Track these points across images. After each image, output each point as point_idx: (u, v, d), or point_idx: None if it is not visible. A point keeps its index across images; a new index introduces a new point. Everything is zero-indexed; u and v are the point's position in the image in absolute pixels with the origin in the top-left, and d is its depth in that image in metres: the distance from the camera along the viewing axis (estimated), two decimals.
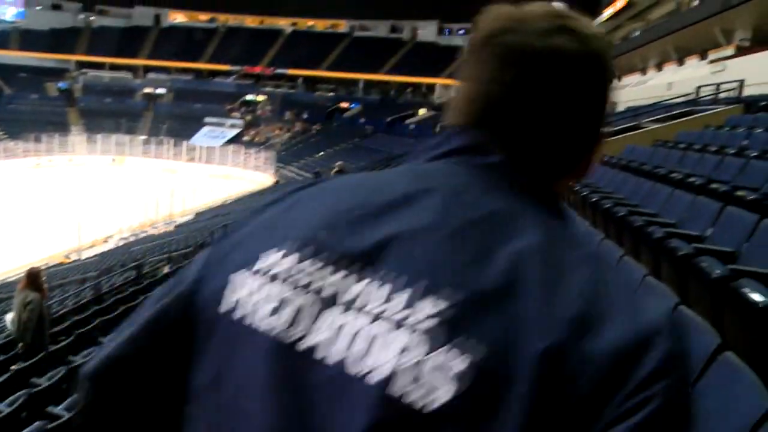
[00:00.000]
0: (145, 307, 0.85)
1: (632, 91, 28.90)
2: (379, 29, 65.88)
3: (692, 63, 23.67)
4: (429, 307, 0.63)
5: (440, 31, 63.68)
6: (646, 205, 6.05)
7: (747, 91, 15.97)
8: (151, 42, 66.09)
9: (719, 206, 5.11)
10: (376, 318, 0.65)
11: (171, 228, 28.61)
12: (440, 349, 0.61)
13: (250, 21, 68.31)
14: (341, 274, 0.70)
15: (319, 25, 67.69)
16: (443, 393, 0.60)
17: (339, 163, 19.63)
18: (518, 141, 0.76)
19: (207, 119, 57.63)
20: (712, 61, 21.38)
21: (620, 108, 27.01)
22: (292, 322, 0.70)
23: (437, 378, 0.60)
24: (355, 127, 53.76)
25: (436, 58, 58.76)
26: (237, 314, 0.74)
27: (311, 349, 0.68)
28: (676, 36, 25.95)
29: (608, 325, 0.61)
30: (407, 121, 53.56)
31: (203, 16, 68.61)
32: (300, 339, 0.69)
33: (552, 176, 0.78)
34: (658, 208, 5.89)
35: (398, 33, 64.99)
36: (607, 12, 38.46)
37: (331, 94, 62.74)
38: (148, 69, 65.00)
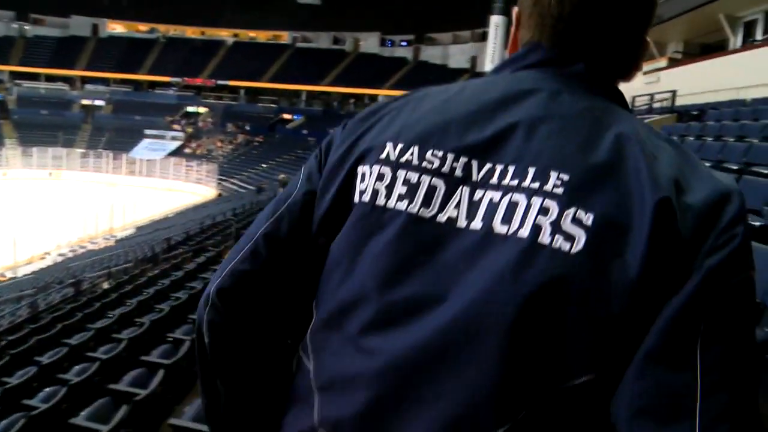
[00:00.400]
0: (256, 224, 0.99)
1: None
2: (322, 41, 65.81)
3: None
4: (555, 178, 0.79)
5: (382, 43, 64.07)
6: None
7: (679, 101, 16.54)
8: (88, 52, 64.77)
9: None
10: (512, 190, 0.81)
11: (111, 243, 28.09)
12: (572, 208, 0.77)
13: (191, 32, 67.57)
14: (466, 159, 0.85)
15: (261, 36, 67.30)
16: (578, 240, 0.76)
17: (282, 176, 19.65)
18: (591, 53, 0.91)
19: (147, 131, 56.81)
20: (646, 73, 22.00)
21: None
22: (427, 201, 0.84)
23: (573, 229, 0.76)
24: (298, 139, 53.59)
25: (379, 70, 59.17)
26: (370, 199, 0.88)
27: (451, 220, 0.83)
28: None
29: (697, 186, 0.78)
30: None
31: (143, 27, 67.57)
32: (437, 214, 0.83)
33: (615, 79, 0.95)
34: None
35: (340, 44, 65.08)
36: None
37: (274, 105, 62.47)
38: (85, 80, 63.59)
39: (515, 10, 0.99)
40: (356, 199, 0.89)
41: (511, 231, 0.78)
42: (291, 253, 0.95)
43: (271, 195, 26.56)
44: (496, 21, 46.75)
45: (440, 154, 0.85)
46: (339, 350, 0.86)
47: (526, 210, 0.79)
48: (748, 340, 0.74)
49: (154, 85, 64.29)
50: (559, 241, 0.76)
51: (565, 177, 0.79)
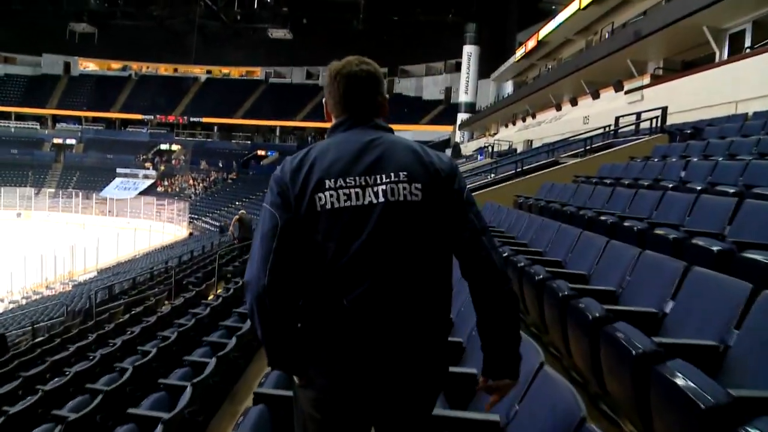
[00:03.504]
0: (261, 248, 1.89)
1: (548, 127, 28.51)
2: (295, 75, 65.61)
3: (608, 95, 22.96)
4: (402, 174, 1.91)
5: None
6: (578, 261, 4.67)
7: (669, 119, 15.05)
8: (60, 91, 64.02)
9: (605, 241, 4.91)
10: (388, 183, 1.89)
11: (69, 288, 26.88)
12: (413, 183, 1.91)
13: (164, 69, 67.01)
14: (364, 177, 1.89)
15: (234, 72, 66.93)
16: (418, 195, 1.91)
17: (241, 212, 19.13)
18: (370, 111, 2.05)
19: (119, 170, 56.02)
20: (628, 92, 20.79)
21: (537, 144, 26.43)
22: (357, 198, 1.87)
23: (416, 191, 1.91)
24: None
25: None
26: (329, 206, 1.86)
27: (370, 202, 1.88)
28: (588, 70, 25.59)
29: (443, 162, 2.00)
30: None
31: (115, 64, 66.90)
32: (362, 201, 1.87)
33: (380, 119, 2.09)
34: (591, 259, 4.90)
35: (314, 79, 64.45)
36: (519, 53, 38.71)
37: (248, 142, 61.78)
38: (57, 119, 62.78)
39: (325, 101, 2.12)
40: (319, 208, 1.86)
41: (396, 198, 1.88)
42: (293, 248, 1.88)
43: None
44: (468, 50, 46.43)
45: (352, 178, 1.88)
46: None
47: (398, 189, 1.88)
48: (476, 205, 2.03)
49: (126, 123, 63.51)
50: (413, 197, 1.89)
51: (405, 172, 1.90)
